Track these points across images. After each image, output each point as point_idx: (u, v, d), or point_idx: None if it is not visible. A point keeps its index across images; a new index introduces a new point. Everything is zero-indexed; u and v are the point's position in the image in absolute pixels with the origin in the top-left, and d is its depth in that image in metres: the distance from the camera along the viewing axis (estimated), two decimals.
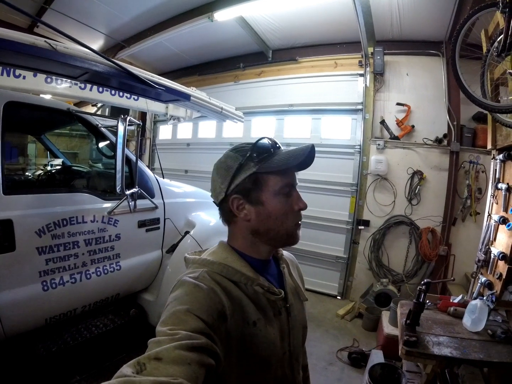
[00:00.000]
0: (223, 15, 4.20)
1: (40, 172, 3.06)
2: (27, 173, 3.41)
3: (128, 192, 2.20)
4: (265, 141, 0.90)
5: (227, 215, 0.91)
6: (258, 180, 0.85)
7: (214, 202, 0.94)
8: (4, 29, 1.53)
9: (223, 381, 0.74)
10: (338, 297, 4.90)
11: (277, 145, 0.90)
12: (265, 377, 0.84)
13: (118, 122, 1.98)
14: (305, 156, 0.84)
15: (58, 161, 3.54)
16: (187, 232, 2.81)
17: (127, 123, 1.99)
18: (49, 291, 2.02)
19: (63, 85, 2.55)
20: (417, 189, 4.37)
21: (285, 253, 1.06)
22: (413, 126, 4.43)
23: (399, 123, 4.45)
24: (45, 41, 1.61)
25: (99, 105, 5.27)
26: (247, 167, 0.85)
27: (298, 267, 1.12)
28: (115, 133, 2.47)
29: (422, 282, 2.24)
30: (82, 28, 4.93)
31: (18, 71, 2.29)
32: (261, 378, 0.83)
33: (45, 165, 3.45)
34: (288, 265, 1.02)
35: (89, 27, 4.99)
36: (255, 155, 0.86)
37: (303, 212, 0.90)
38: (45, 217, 1.98)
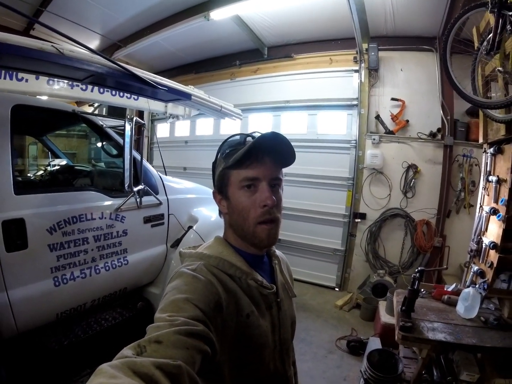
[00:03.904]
0: (219, 14, 4.24)
1: (46, 172, 3.11)
2: (35, 174, 3.45)
3: (135, 189, 2.28)
4: (236, 137, 0.91)
5: (218, 208, 0.96)
6: (225, 175, 0.88)
7: None
8: (12, 35, 1.59)
9: (218, 372, 0.77)
10: (336, 289, 5.00)
11: (247, 140, 0.89)
12: (258, 369, 0.86)
13: (125, 122, 2.04)
14: (248, 148, 0.81)
15: (63, 161, 3.59)
16: (190, 227, 2.89)
17: (134, 123, 2.06)
18: (61, 287, 2.08)
19: (64, 87, 2.60)
20: (412, 182, 4.46)
21: (276, 250, 1.07)
22: (407, 121, 4.51)
23: (394, 117, 4.53)
24: (52, 45, 1.66)
25: (96, 105, 5.30)
26: (220, 164, 0.90)
27: (288, 265, 1.13)
28: (118, 133, 2.55)
29: (416, 270, 2.35)
30: (78, 29, 4.93)
31: (20, 75, 2.34)
32: (254, 370, 0.85)
33: (50, 165, 3.49)
34: (280, 262, 1.04)
35: (85, 28, 4.99)
36: (223, 152, 0.90)
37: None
38: (56, 215, 2.04)
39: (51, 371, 2.13)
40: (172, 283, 0.78)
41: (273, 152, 0.85)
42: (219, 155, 0.92)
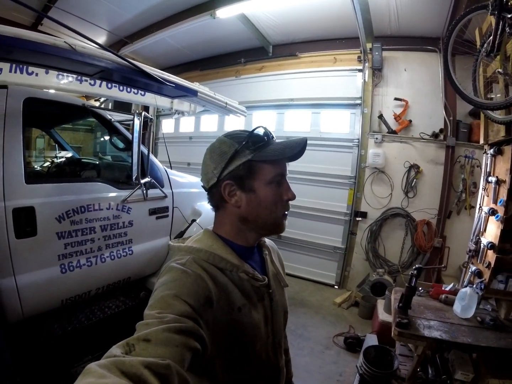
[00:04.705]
0: (225, 12, 4.29)
1: (55, 163, 3.18)
2: (42, 165, 3.53)
3: (142, 181, 2.34)
4: (261, 130, 0.89)
5: (217, 200, 0.91)
6: (252, 167, 0.85)
7: (203, 186, 0.95)
8: (25, 30, 1.64)
9: (210, 367, 0.77)
10: (335, 287, 5.03)
11: (271, 136, 0.90)
12: (251, 362, 0.86)
13: (134, 117, 2.10)
14: (301, 148, 0.86)
15: (71, 154, 3.67)
16: (193, 220, 2.96)
17: (143, 117, 2.11)
18: (67, 274, 2.16)
19: (73, 82, 2.66)
20: (414, 182, 4.47)
21: (266, 240, 1.07)
22: (410, 121, 4.52)
23: (397, 117, 4.54)
24: (64, 41, 1.72)
25: (102, 99, 5.37)
26: (243, 154, 0.85)
27: (279, 253, 1.13)
28: (125, 127, 2.60)
29: (414, 268, 2.37)
30: (85, 25, 4.98)
31: (30, 69, 2.41)
32: (246, 362, 0.85)
33: (57, 157, 3.56)
34: (270, 252, 1.04)
35: (92, 23, 5.07)
36: (251, 143, 0.86)
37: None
38: (65, 205, 2.11)
39: (54, 356, 2.19)
40: (161, 278, 0.78)
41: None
42: (243, 145, 0.86)
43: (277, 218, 0.89)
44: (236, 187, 0.87)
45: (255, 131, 0.88)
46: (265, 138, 0.88)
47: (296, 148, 0.85)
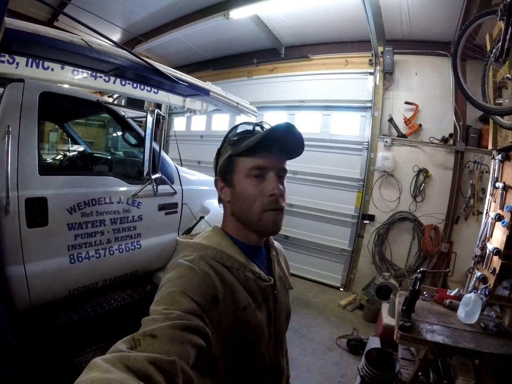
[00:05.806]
0: (239, 14, 4.34)
1: (67, 157, 3.25)
2: (54, 158, 3.61)
3: (153, 177, 2.40)
4: (244, 125, 0.90)
5: (218, 196, 0.95)
6: (231, 162, 0.87)
7: None
8: (43, 27, 1.70)
9: (213, 365, 0.78)
10: (341, 289, 5.02)
11: (255, 129, 0.89)
12: (253, 361, 0.87)
13: (147, 114, 2.16)
14: (263, 136, 0.81)
15: (83, 148, 3.75)
16: (202, 217, 3.00)
17: (155, 115, 2.17)
18: (75, 264, 2.20)
19: (88, 78, 2.73)
20: (422, 186, 4.45)
21: (275, 241, 1.07)
22: (420, 125, 4.51)
23: (407, 121, 4.54)
24: (81, 39, 1.78)
25: (115, 96, 5.46)
26: (225, 150, 0.89)
27: (285, 256, 1.13)
28: (137, 124, 2.66)
29: (418, 271, 2.37)
30: (100, 22, 5.06)
31: (46, 64, 2.49)
32: (249, 362, 0.86)
33: (72, 151, 3.64)
34: (278, 254, 1.04)
35: (107, 21, 5.15)
36: (231, 139, 0.88)
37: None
38: (76, 197, 2.16)
39: (59, 345, 2.24)
40: (168, 274, 0.78)
41: (283, 143, 0.85)
42: (225, 142, 0.91)
43: (255, 214, 0.85)
44: (224, 183, 0.90)
45: (237, 126, 0.92)
46: (247, 132, 0.89)
47: (259, 137, 0.81)
